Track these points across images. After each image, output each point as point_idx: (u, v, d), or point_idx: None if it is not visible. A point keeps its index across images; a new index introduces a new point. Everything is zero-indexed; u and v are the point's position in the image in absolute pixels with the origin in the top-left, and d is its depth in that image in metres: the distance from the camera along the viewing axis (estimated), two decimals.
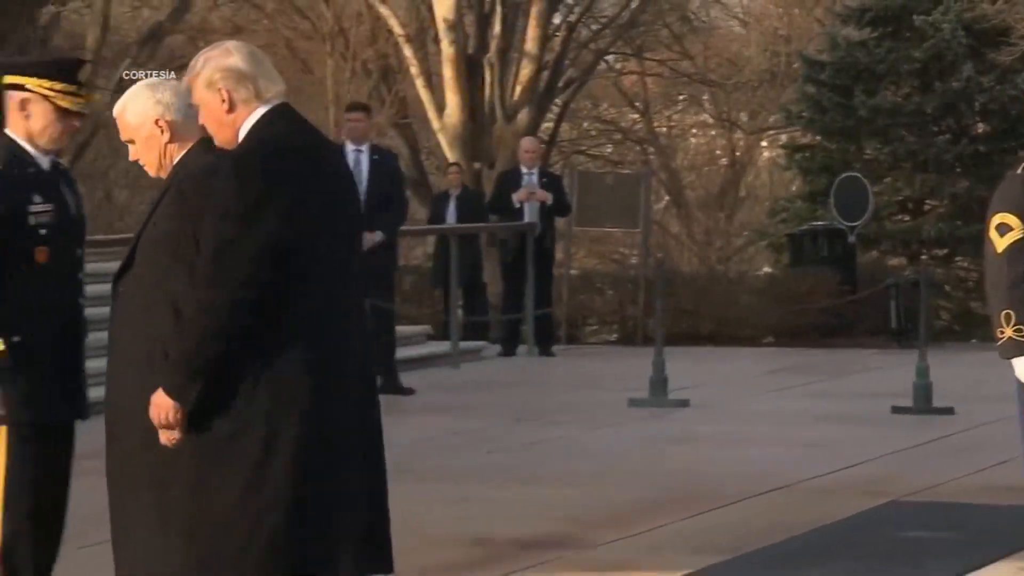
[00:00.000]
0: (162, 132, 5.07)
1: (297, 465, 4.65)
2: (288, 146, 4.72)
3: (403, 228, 13.40)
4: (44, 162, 5.41)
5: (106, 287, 5.16)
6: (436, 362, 14.42)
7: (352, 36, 27.11)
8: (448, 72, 25.36)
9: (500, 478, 9.03)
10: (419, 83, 25.95)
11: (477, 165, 24.93)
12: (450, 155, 24.72)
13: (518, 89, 25.90)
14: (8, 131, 5.44)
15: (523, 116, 25.84)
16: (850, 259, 18.92)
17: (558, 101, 28.75)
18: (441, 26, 25.37)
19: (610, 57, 31.18)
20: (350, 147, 12.57)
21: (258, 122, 4.74)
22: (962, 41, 21.62)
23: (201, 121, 4.85)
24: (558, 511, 8.09)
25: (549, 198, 15.50)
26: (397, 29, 26.16)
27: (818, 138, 23.11)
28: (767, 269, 24.91)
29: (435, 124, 25.82)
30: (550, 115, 28.93)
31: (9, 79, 5.42)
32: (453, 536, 7.50)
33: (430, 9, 25.86)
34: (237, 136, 4.76)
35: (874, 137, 22.03)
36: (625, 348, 16.97)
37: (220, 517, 4.66)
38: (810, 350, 16.51)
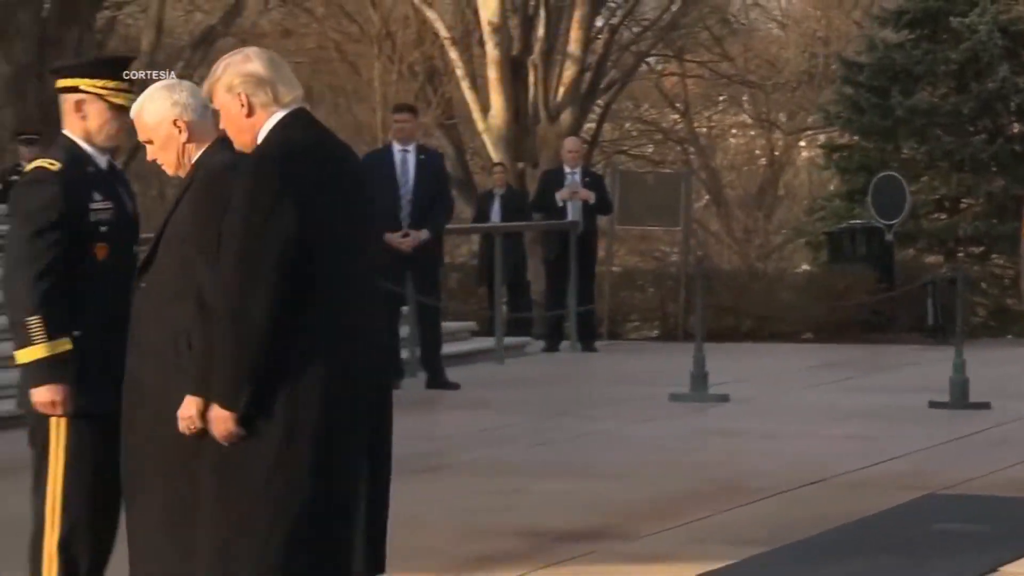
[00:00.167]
0: (180, 132, 5.11)
1: (316, 462, 4.64)
2: (306, 149, 4.73)
3: (449, 226, 13.40)
4: (102, 161, 5.46)
5: None
6: (481, 358, 14.42)
7: (399, 39, 27.14)
8: (493, 74, 25.37)
9: (544, 471, 9.03)
10: (464, 85, 25.97)
11: (521, 165, 24.92)
12: (495, 155, 24.71)
13: (561, 90, 25.88)
14: (66, 132, 5.49)
15: (566, 117, 25.83)
16: (888, 257, 18.83)
17: (600, 102, 28.72)
18: (486, 29, 25.37)
19: (651, 59, 31.13)
20: (397, 147, 12.57)
21: (277, 125, 4.77)
22: (998, 43, 21.51)
23: (221, 126, 4.88)
24: (601, 503, 8.09)
25: (592, 197, 15.48)
26: (443, 32, 26.18)
27: (856, 138, 23.02)
28: (805, 267, 24.81)
29: (480, 125, 25.83)
30: (592, 116, 28.90)
31: (63, 83, 5.47)
32: (498, 527, 7.50)
33: (475, 12, 25.86)
34: (256, 140, 4.78)
35: (911, 137, 21.92)
36: (666, 344, 16.94)
37: (244, 507, 4.64)
38: (848, 346, 16.45)
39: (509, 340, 14.97)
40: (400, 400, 13.27)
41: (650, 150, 34.18)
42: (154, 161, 5.22)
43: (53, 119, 5.56)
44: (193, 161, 5.12)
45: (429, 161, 12.70)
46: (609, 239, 18.64)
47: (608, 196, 16.28)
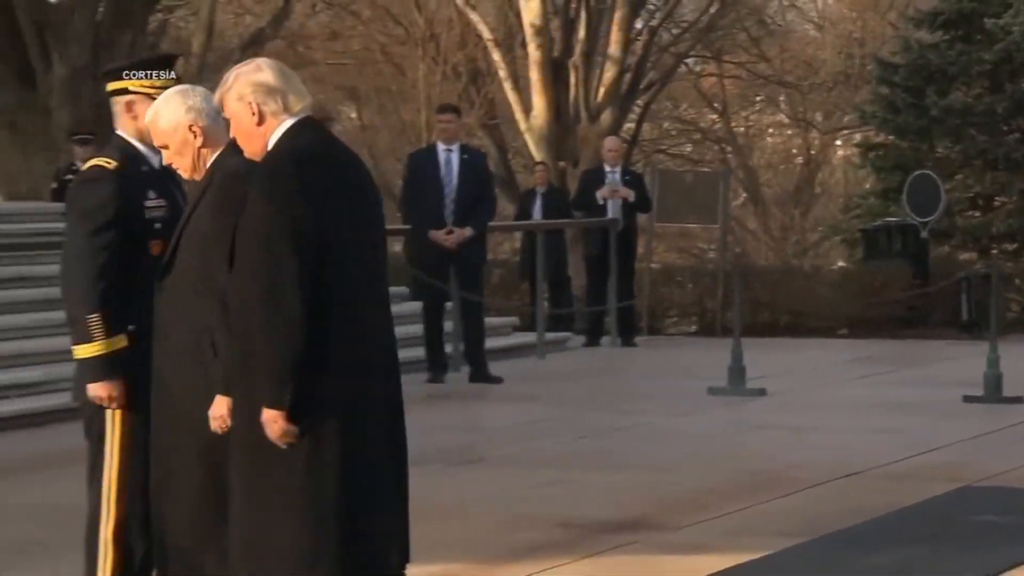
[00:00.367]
0: (195, 137, 5.12)
1: (342, 461, 4.63)
2: (314, 155, 4.76)
3: (491, 224, 13.41)
4: (155, 160, 5.49)
5: None
6: (523, 352, 14.41)
7: (443, 41, 27.16)
8: (535, 75, 25.36)
9: (584, 463, 9.03)
10: (507, 86, 25.97)
11: (562, 164, 24.91)
12: (536, 154, 24.71)
13: (601, 91, 25.86)
14: (120, 132, 5.51)
15: (606, 117, 25.80)
16: (922, 253, 18.76)
17: (640, 102, 28.67)
18: (528, 31, 25.37)
19: (690, 60, 31.07)
20: (441, 147, 12.58)
21: (287, 132, 4.79)
22: None
23: (232, 134, 4.90)
24: (639, 495, 8.08)
25: (631, 195, 15.46)
26: (486, 34, 26.19)
27: (891, 137, 22.92)
28: (841, 263, 24.71)
29: (522, 125, 25.83)
30: (632, 116, 28.86)
31: (113, 85, 5.51)
32: (539, 518, 7.50)
33: (518, 15, 25.87)
34: (266, 147, 4.80)
35: (946, 136, 21.82)
36: (704, 339, 16.90)
37: (274, 506, 4.63)
38: (884, 341, 16.38)
39: (550, 335, 14.97)
40: (444, 394, 13.28)
41: (688, 149, 34.11)
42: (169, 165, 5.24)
43: (107, 120, 5.60)
44: (208, 165, 5.13)
45: (473, 160, 12.70)
46: (648, 236, 18.61)
47: (647, 194, 16.25)
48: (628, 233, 15.54)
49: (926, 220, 18.69)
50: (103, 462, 5.33)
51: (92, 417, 5.38)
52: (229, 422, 4.76)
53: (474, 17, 26.24)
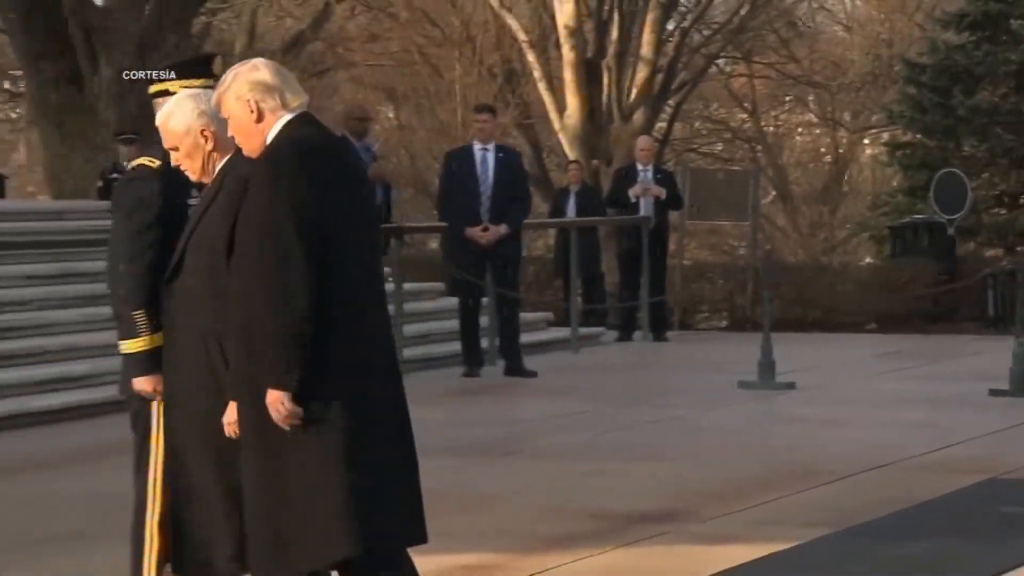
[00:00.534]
0: (207, 141, 5.11)
1: (349, 453, 4.63)
2: (314, 146, 4.76)
3: (526, 221, 13.40)
4: None
5: None
6: (557, 347, 14.41)
7: (479, 42, 27.18)
8: (568, 75, 25.35)
9: (616, 455, 9.02)
10: (541, 86, 25.97)
11: (595, 162, 24.90)
12: (570, 153, 24.70)
13: (634, 91, 25.83)
14: None
15: (638, 116, 25.77)
16: (949, 250, 18.69)
17: (671, 102, 28.64)
18: (562, 32, 25.36)
19: (720, 60, 31.01)
20: (477, 146, 12.59)
21: (285, 126, 4.80)
22: None
23: (230, 133, 4.88)
24: (671, 486, 8.07)
25: (663, 193, 15.44)
26: (521, 36, 26.19)
27: (919, 136, 22.84)
28: (869, 260, 24.65)
29: (556, 124, 25.82)
30: (664, 115, 28.84)
31: (155, 88, 5.52)
32: (572, 508, 7.50)
33: (552, 17, 25.86)
34: (264, 144, 4.80)
35: (972, 135, 21.73)
36: (734, 334, 16.87)
37: (285, 501, 4.63)
38: (911, 336, 16.32)
39: (584, 330, 14.96)
40: (480, 387, 13.28)
41: (719, 148, 34.05)
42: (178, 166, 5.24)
43: (151, 120, 5.61)
44: (218, 168, 5.12)
45: (508, 159, 12.71)
46: (680, 233, 18.60)
47: (679, 192, 16.22)
48: (660, 230, 15.52)
49: (953, 217, 18.62)
50: (149, 454, 5.35)
51: (138, 410, 5.39)
52: None
53: (509, 19, 26.24)
